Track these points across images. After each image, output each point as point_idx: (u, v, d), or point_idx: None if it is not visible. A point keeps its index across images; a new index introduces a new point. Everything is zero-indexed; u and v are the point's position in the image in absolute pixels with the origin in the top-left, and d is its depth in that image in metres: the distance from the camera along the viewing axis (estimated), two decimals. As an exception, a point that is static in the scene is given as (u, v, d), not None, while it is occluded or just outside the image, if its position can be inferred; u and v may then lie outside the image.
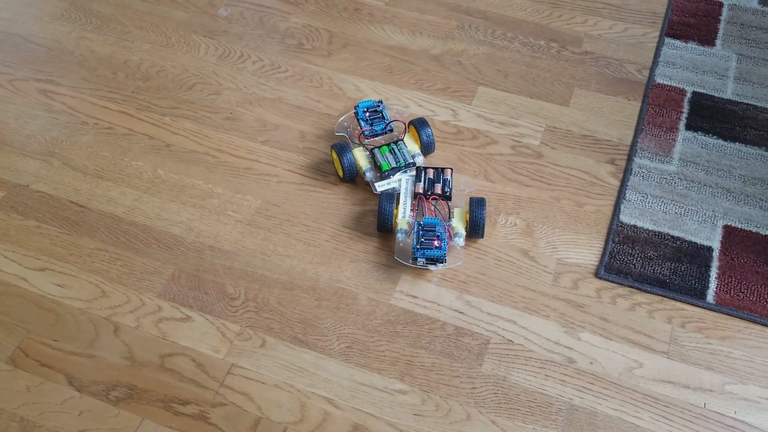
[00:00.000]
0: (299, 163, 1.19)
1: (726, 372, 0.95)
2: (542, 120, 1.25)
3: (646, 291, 1.03)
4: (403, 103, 1.27)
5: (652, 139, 1.22)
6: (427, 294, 1.02)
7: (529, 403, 0.92)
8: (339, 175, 1.15)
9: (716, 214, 1.11)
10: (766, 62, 1.33)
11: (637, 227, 1.10)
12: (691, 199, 1.13)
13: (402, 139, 1.15)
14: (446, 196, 1.08)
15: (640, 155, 1.19)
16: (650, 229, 1.09)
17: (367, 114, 1.17)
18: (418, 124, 1.15)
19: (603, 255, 1.07)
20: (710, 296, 1.01)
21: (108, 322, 0.99)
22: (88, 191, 1.14)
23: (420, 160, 1.13)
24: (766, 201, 1.13)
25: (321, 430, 0.89)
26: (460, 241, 1.04)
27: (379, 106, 1.18)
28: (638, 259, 1.06)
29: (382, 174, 1.11)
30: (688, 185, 1.15)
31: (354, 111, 1.18)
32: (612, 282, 1.04)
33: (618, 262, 1.05)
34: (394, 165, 1.11)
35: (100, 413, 0.90)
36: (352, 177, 1.13)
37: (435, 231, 1.02)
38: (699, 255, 1.06)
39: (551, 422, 0.90)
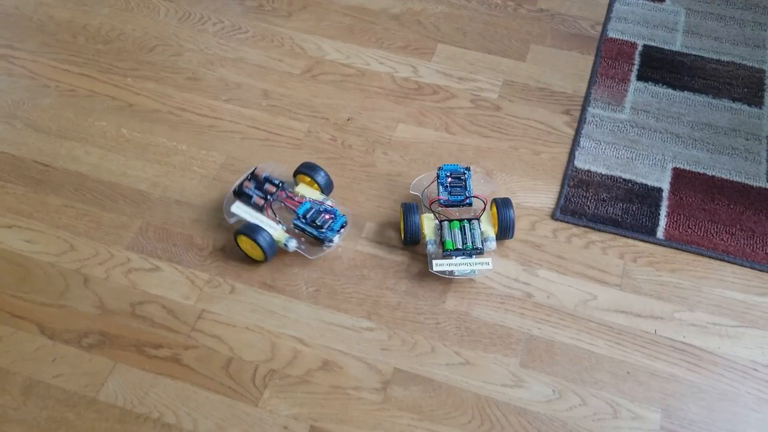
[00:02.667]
0: (263, 120, 1.21)
1: (675, 301, 1.00)
2: (500, 75, 1.29)
3: (599, 230, 1.08)
4: (381, 77, 1.29)
5: (605, 90, 1.26)
6: (392, 239, 1.06)
7: (490, 334, 0.96)
8: (401, 237, 1.04)
9: (666, 158, 1.16)
10: (714, 16, 1.39)
11: (591, 172, 1.14)
12: (641, 144, 1.18)
13: (479, 218, 1.03)
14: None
15: (593, 105, 1.24)
16: (603, 173, 1.14)
17: (449, 180, 1.05)
18: (501, 205, 1.02)
19: (559, 198, 1.11)
20: (660, 233, 1.07)
21: (77, 274, 1.00)
22: (52, 151, 1.15)
23: (491, 246, 1.01)
24: (712, 145, 1.18)
25: (292, 366, 0.92)
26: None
27: (464, 174, 1.06)
28: (592, 201, 1.10)
29: (444, 252, 1.00)
30: (639, 132, 1.20)
31: (437, 173, 1.06)
32: (567, 223, 1.08)
33: (573, 204, 1.10)
34: (459, 246, 0.99)
35: (73, 359, 0.92)
36: (413, 242, 1.03)
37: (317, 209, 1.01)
38: (649, 195, 1.11)
39: (511, 351, 0.95)
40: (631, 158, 1.16)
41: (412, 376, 0.92)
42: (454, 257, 0.99)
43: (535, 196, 1.12)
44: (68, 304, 0.97)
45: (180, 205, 1.09)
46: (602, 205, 1.10)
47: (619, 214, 1.09)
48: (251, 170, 1.06)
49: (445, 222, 1.02)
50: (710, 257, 1.05)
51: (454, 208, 1.05)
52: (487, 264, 0.99)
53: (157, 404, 0.89)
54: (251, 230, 0.98)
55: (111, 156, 1.14)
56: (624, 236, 1.07)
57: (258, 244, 0.97)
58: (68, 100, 1.23)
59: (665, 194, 1.11)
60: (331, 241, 1.00)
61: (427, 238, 1.01)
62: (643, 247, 1.06)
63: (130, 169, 1.13)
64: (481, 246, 1.00)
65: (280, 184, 1.04)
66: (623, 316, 0.98)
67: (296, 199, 1.03)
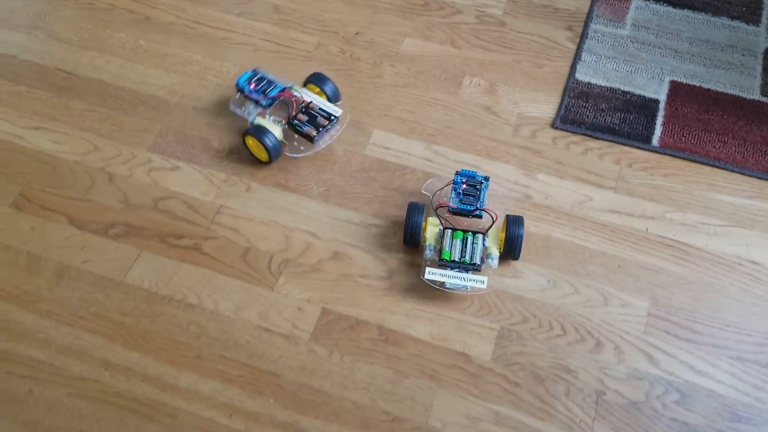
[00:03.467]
0: (274, 33, 1.25)
1: (667, 203, 1.06)
2: (505, -7, 1.32)
3: (597, 138, 1.13)
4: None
5: (607, 7, 1.30)
6: (399, 145, 1.11)
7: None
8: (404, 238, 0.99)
9: (664, 72, 1.20)
10: (717, -63, 1.41)
11: (591, 84, 1.19)
12: (641, 58, 1.22)
13: (485, 234, 0.96)
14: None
15: (595, 21, 1.27)
16: (603, 85, 1.19)
17: (464, 186, 0.99)
18: (512, 222, 0.96)
19: (559, 108, 1.16)
20: (655, 140, 1.12)
21: (102, 172, 1.06)
22: (74, 60, 1.20)
23: (492, 264, 0.95)
24: (710, 60, 1.22)
25: (304, 256, 0.99)
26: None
27: (481, 183, 0.99)
28: (591, 111, 1.15)
29: (440, 261, 0.94)
30: (639, 47, 1.24)
31: (454, 177, 1.00)
32: (567, 131, 1.13)
33: (573, 114, 1.15)
34: (456, 258, 0.94)
35: (100, 247, 0.99)
36: (413, 243, 0.98)
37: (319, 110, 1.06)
38: (646, 106, 1.16)
39: (510, 246, 1.01)
40: (631, 71, 1.20)
41: (416, 265, 0.99)
42: (449, 268, 0.94)
43: (537, 106, 1.16)
44: (94, 198, 1.04)
45: (197, 111, 1.14)
46: (601, 115, 1.15)
47: (617, 123, 1.14)
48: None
49: (449, 230, 0.96)
50: (702, 163, 1.10)
51: (463, 217, 0.99)
52: (482, 283, 0.93)
53: (180, 287, 0.96)
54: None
55: (130, 65, 1.19)
56: (621, 143, 1.12)
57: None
58: (87, 13, 1.27)
59: (662, 105, 1.16)
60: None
61: (427, 243, 0.96)
62: (638, 154, 1.11)
63: (148, 78, 1.18)
64: (479, 263, 0.93)
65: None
66: (617, 215, 1.04)
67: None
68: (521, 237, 0.95)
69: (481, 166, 1.09)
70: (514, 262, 0.99)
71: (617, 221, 1.04)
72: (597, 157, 1.10)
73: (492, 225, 0.97)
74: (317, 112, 1.07)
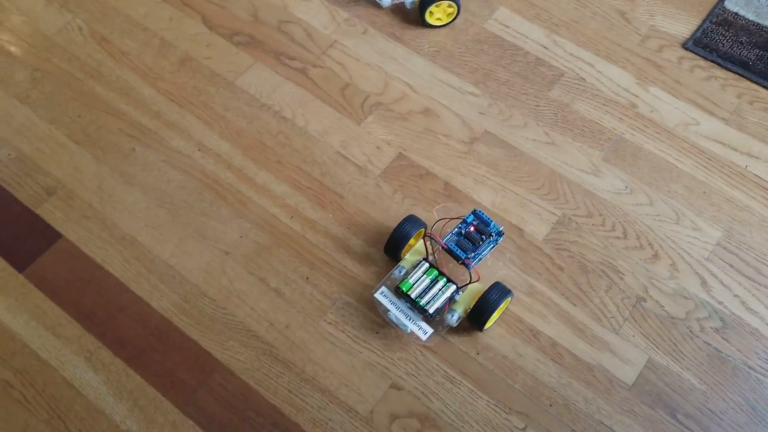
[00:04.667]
0: None
1: (778, 147, 1.00)
2: None
3: (726, 68, 1.07)
4: None
5: (787, -56, 1.20)
6: (520, 27, 1.11)
7: (583, 127, 1.02)
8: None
9: (825, 21, 1.11)
10: None
11: (738, 14, 1.12)
12: (805, 2, 1.13)
13: (460, 289, 0.84)
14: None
15: (768, -45, 1.19)
16: (751, 18, 1.11)
17: (471, 229, 0.87)
18: (491, 290, 0.82)
19: (696, 30, 1.10)
20: (789, 85, 1.05)
21: (241, -14, 1.15)
22: None
23: (450, 322, 0.83)
24: None
25: (397, 104, 1.04)
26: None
27: (490, 236, 0.87)
28: (729, 41, 1.09)
29: (397, 288, 0.85)
30: (807, -10, 1.14)
31: (468, 215, 0.89)
32: (696, 54, 1.09)
33: (708, 39, 1.09)
34: (412, 296, 0.83)
35: (223, 49, 1.08)
36: (392, 254, 0.88)
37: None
38: (792, 50, 1.08)
39: (598, 146, 1.00)
40: (788, 13, 1.12)
41: (499, 140, 1.01)
42: (403, 300, 0.84)
43: (673, 23, 1.12)
44: (229, 6, 1.12)
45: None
46: (737, 47, 1.08)
47: (752, 59, 1.07)
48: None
49: (426, 264, 0.85)
50: (833, 120, 1.02)
51: (454, 260, 0.87)
52: (423, 334, 0.82)
53: (280, 101, 1.03)
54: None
55: None
56: (749, 80, 1.06)
57: None
58: None
59: (810, 53, 1.08)
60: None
61: (401, 264, 0.87)
62: (764, 94, 1.05)
63: None
64: (432, 313, 0.82)
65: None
66: (719, 146, 1.00)
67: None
68: (492, 308, 0.81)
69: (596, 65, 1.07)
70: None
71: (718, 151, 1.00)
72: (719, 87, 1.05)
73: (469, 283, 0.85)
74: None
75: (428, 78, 1.06)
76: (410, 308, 0.84)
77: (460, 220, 0.88)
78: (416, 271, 0.85)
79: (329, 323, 0.87)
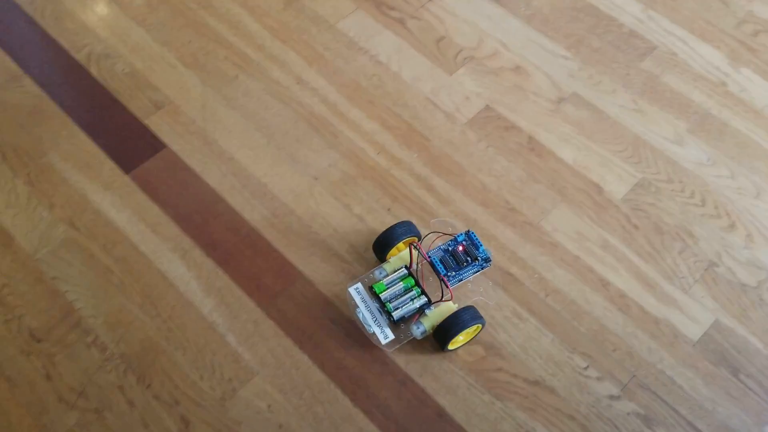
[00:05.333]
0: None
1: None
2: None
3: (823, 56, 1.07)
4: None
5: None
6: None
7: (671, 99, 1.03)
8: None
9: None
10: None
11: (842, 6, 1.11)
12: None
13: (432, 304, 0.82)
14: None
15: None
16: None
17: (460, 248, 0.86)
18: (461, 312, 0.80)
19: (795, 18, 1.11)
20: None
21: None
22: None
23: (415, 333, 0.82)
24: None
25: (489, 59, 1.07)
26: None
27: (477, 260, 0.85)
28: (829, 30, 1.09)
29: (371, 288, 0.84)
30: None
31: (459, 234, 0.87)
32: (793, 41, 1.09)
33: (808, 27, 1.09)
34: (383, 299, 0.82)
35: (327, -6, 1.13)
36: (378, 250, 0.87)
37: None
38: None
39: (684, 117, 1.01)
40: None
41: (587, 102, 1.03)
42: (373, 300, 0.84)
43: (772, 10, 1.12)
44: (336, -44, 1.18)
45: None
46: (838, 37, 1.08)
47: None
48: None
49: (405, 270, 0.84)
50: None
51: (435, 275, 0.85)
52: (384, 338, 0.81)
53: (377, 47, 1.08)
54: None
55: None
56: None
57: None
58: None
59: None
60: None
61: (384, 264, 0.86)
62: None
63: None
64: (396, 320, 0.82)
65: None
66: (808, 130, 1.00)
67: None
68: (458, 330, 0.79)
69: (689, 42, 1.08)
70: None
71: (806, 135, 1.00)
72: (814, 74, 1.05)
73: (440, 300, 0.83)
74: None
75: (522, 38, 1.09)
76: (379, 310, 0.83)
77: (452, 237, 0.87)
78: (394, 276, 0.84)
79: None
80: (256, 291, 0.88)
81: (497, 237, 0.92)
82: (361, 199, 0.95)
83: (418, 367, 0.83)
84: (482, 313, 0.84)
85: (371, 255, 0.90)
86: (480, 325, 0.82)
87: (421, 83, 1.05)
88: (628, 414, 0.81)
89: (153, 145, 0.99)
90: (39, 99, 1.02)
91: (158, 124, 1.00)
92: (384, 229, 0.86)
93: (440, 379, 0.83)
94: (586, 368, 0.83)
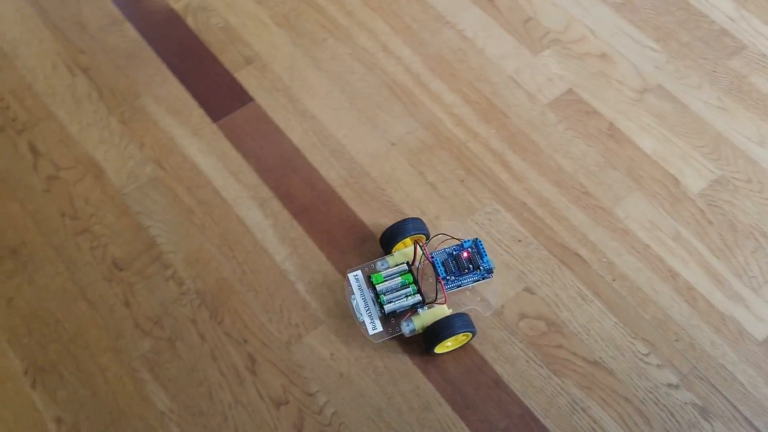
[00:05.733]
0: None
1: None
2: None
3: None
4: None
5: None
6: (710, -4, 1.12)
7: (757, 99, 1.02)
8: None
9: None
10: None
11: None
12: None
13: (425, 305, 0.82)
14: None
15: None
16: None
17: (465, 254, 0.85)
18: (454, 317, 0.80)
19: None
20: None
21: None
22: None
23: (404, 330, 0.82)
24: None
25: (575, 44, 1.07)
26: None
27: (479, 269, 0.84)
28: None
29: (369, 278, 0.85)
30: None
31: (466, 240, 0.86)
32: None
33: None
34: (379, 290, 0.83)
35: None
36: (384, 242, 0.87)
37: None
38: None
39: (770, 118, 1.00)
40: None
41: (670, 95, 1.02)
42: (370, 290, 0.84)
43: None
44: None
45: None
46: None
47: None
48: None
49: (406, 266, 0.84)
50: None
51: (428, 274, 0.86)
52: (373, 329, 0.81)
53: (464, 22, 1.09)
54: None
55: None
56: None
57: None
58: None
59: None
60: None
61: (387, 258, 0.86)
62: None
63: None
64: (386, 313, 0.82)
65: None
66: None
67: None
68: (448, 335, 0.79)
69: (781, 45, 1.07)
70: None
71: None
72: None
73: (433, 301, 0.83)
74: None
75: (610, 26, 1.09)
76: (373, 301, 0.83)
77: (459, 242, 0.86)
78: (394, 270, 0.84)
79: (476, 223, 0.92)
80: (328, 245, 0.90)
81: (568, 218, 0.92)
82: (436, 168, 0.96)
83: (478, 335, 0.85)
84: (477, 323, 0.84)
85: (441, 222, 0.92)
86: (470, 334, 0.82)
87: (505, 61, 1.05)
88: (686, 404, 0.81)
89: (240, 97, 1.02)
90: (136, 44, 1.07)
91: (247, 78, 1.04)
92: (395, 222, 0.86)
93: (499, 348, 0.84)
94: (647, 354, 0.83)
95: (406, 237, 0.85)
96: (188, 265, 0.89)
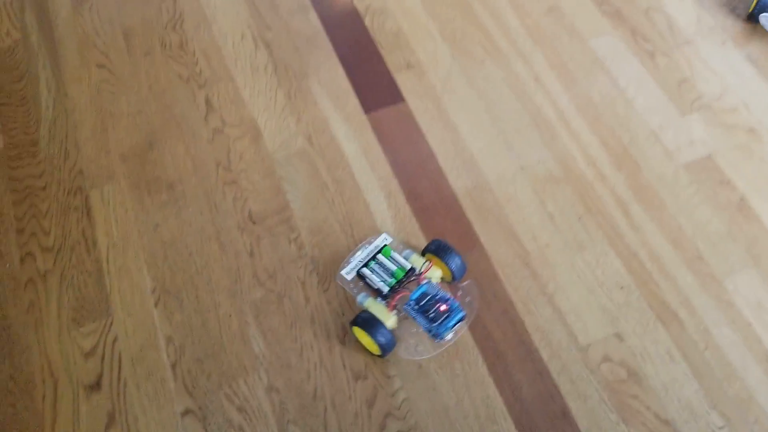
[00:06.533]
0: None
1: None
2: None
3: None
4: None
5: None
6: None
7: None
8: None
9: None
10: None
11: None
12: None
13: (382, 299, 0.90)
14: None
15: None
16: None
17: (443, 307, 0.88)
18: (378, 327, 0.86)
19: None
20: None
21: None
22: None
23: (359, 298, 0.91)
24: None
25: (726, 114, 1.07)
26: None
27: (438, 329, 0.87)
28: None
29: (383, 248, 0.94)
30: None
31: (452, 300, 0.89)
32: None
33: None
34: (374, 259, 0.93)
35: (590, 11, 1.19)
36: (427, 247, 0.93)
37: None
38: None
39: None
40: None
41: (815, 185, 1.00)
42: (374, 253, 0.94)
43: None
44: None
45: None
46: None
47: None
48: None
49: (412, 269, 0.92)
50: None
51: (442, 285, 0.93)
52: (347, 274, 0.93)
53: (620, 70, 1.12)
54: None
55: None
56: None
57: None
58: None
59: None
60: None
61: (414, 252, 0.94)
62: None
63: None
64: (359, 276, 0.93)
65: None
66: None
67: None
68: (360, 324, 0.86)
69: None
70: None
71: None
72: None
73: (383, 302, 0.90)
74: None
75: (766, 103, 1.08)
76: (376, 263, 0.93)
77: (449, 293, 0.90)
78: (400, 260, 0.92)
79: (583, 261, 0.95)
80: (439, 245, 0.97)
81: (676, 278, 0.93)
82: (557, 200, 1.00)
83: (558, 365, 0.88)
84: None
85: (550, 252, 0.96)
86: (378, 348, 0.87)
87: (651, 115, 1.07)
88: (749, 486, 0.80)
89: (394, 96, 1.11)
90: (317, 31, 1.19)
91: (404, 81, 1.12)
92: (447, 243, 0.91)
93: (576, 383, 0.87)
94: (721, 428, 0.83)
95: (441, 261, 0.91)
96: (311, 233, 0.99)
